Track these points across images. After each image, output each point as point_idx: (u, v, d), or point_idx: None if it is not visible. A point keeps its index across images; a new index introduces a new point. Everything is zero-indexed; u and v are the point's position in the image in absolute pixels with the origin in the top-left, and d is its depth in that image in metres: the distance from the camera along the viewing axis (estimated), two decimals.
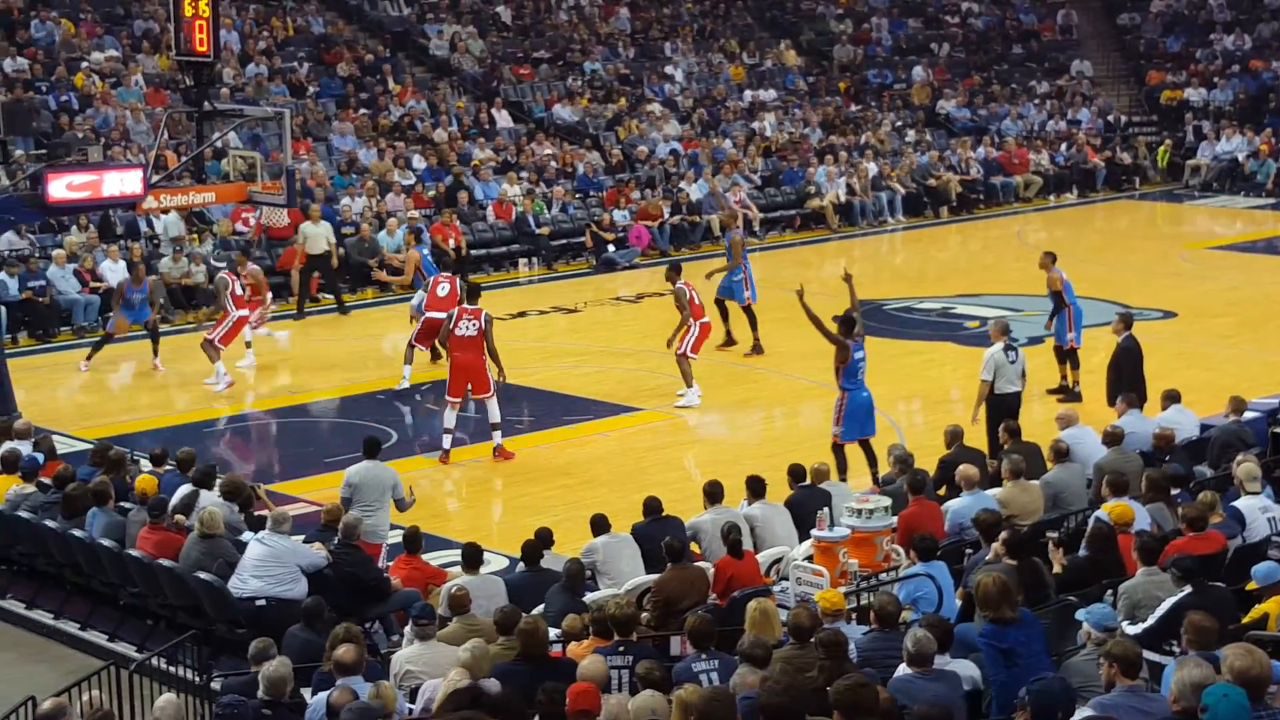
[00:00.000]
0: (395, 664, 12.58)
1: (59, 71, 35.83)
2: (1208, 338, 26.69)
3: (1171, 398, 18.51)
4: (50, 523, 16.47)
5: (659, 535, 14.89)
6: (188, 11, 21.49)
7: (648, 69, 44.93)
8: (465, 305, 21.19)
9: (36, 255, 29.33)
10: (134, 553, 15.58)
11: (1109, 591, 12.46)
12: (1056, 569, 13.32)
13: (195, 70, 22.16)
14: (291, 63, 39.77)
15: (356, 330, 28.99)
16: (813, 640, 10.71)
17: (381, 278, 30.48)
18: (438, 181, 35.73)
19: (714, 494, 15.88)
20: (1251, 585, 11.92)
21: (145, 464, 18.26)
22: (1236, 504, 14.38)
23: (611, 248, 34.84)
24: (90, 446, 19.59)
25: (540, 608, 13.87)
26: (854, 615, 12.74)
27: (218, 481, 16.91)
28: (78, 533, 16.17)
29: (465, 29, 43.71)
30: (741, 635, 11.25)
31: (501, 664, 11.50)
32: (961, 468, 15.98)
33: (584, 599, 13.96)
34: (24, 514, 16.72)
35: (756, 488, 16.23)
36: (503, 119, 40.47)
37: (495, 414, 21.02)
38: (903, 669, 10.31)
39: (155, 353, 26.09)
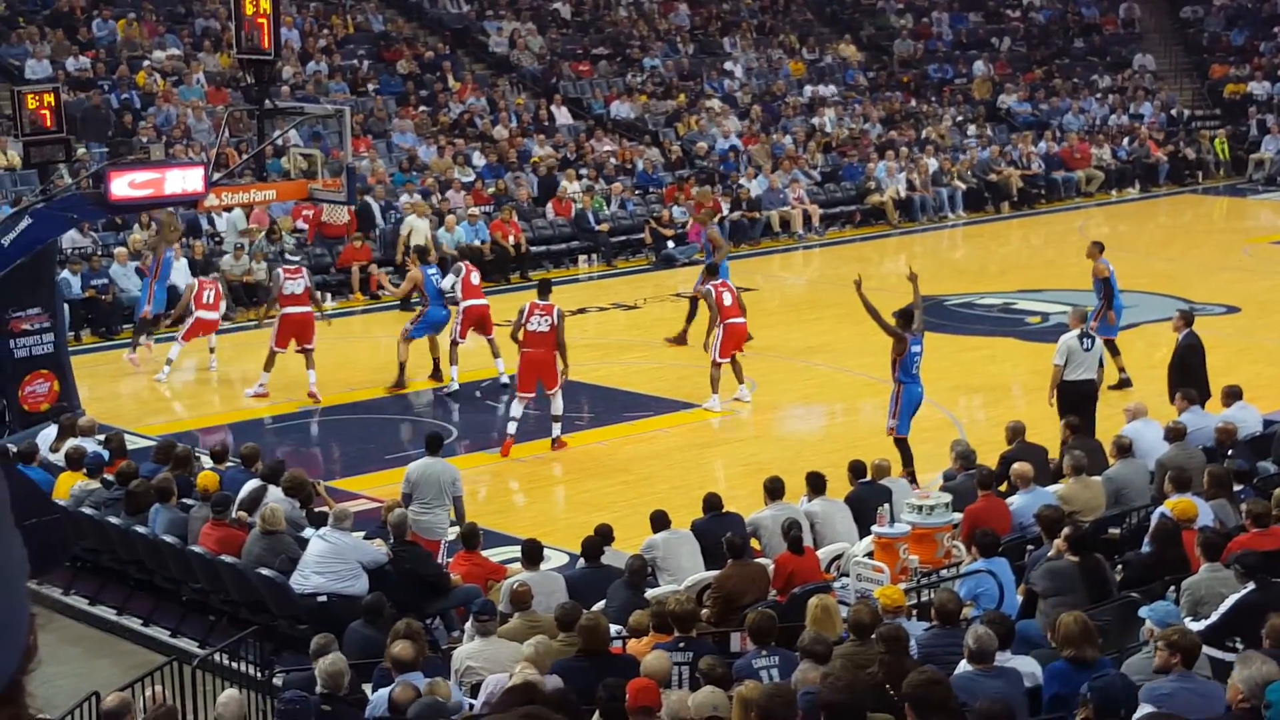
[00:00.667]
0: (456, 660, 12.61)
1: (121, 70, 36.06)
2: (1271, 333, 26.47)
3: (1233, 394, 18.35)
4: (114, 519, 16.58)
5: (719, 531, 14.88)
6: (248, 9, 21.56)
7: (707, 65, 44.89)
8: (537, 301, 21.24)
9: (99, 253, 29.53)
10: (196, 549, 15.67)
11: (1172, 588, 12.38)
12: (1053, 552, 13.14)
13: (256, 68, 22.25)
14: (351, 60, 39.92)
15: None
16: (873, 636, 10.68)
17: (382, 283, 30.12)
18: (498, 178, 35.79)
19: (774, 490, 15.86)
20: None
21: (206, 461, 18.38)
22: None
23: (671, 244, 34.82)
24: (153, 443, 19.72)
25: (601, 604, 13.88)
26: (914, 611, 12.71)
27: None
28: (141, 529, 16.27)
29: (524, 26, 43.78)
30: (802, 631, 11.23)
31: (562, 660, 11.51)
32: (1016, 466, 15.93)
33: (645, 595, 13.97)
34: (88, 510, 16.84)
35: (817, 484, 16.21)
36: (562, 115, 40.51)
37: (558, 407, 21.07)
38: (964, 666, 10.26)
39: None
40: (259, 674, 14.02)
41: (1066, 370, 19.63)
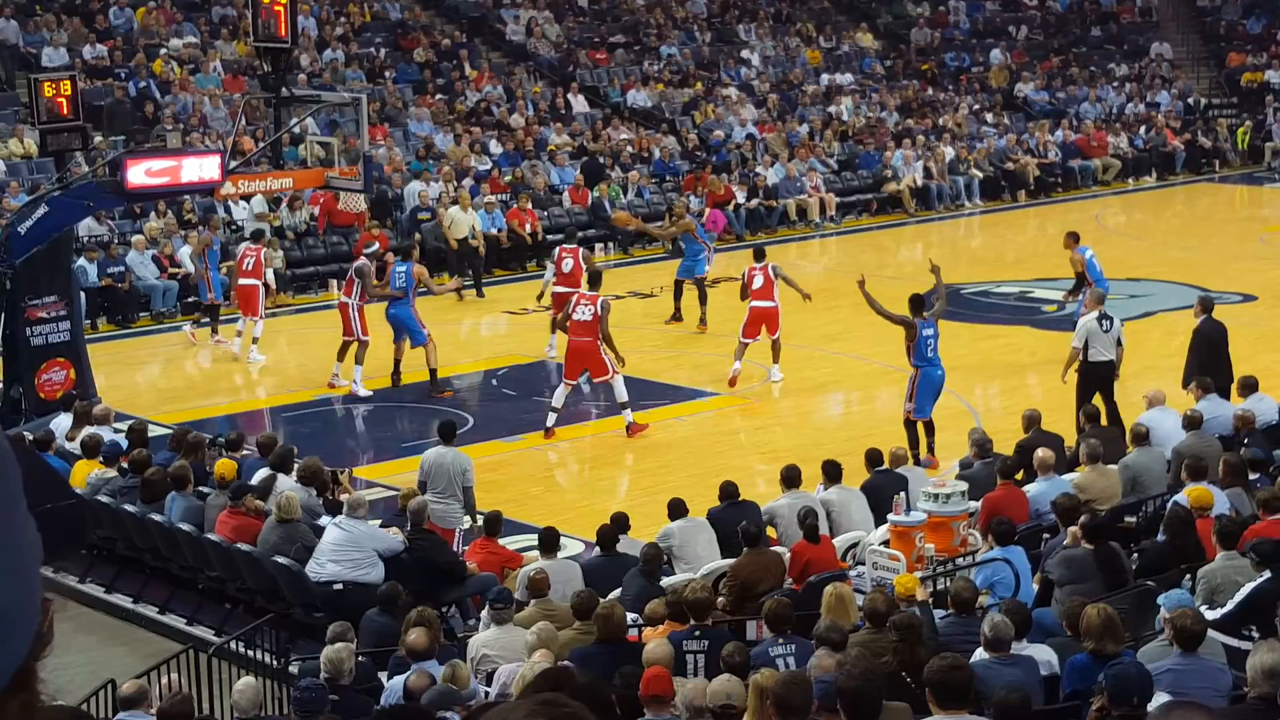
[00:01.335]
0: (472, 648, 12.63)
1: (138, 58, 36.09)
2: None
3: (1249, 385, 18.28)
4: (130, 507, 16.61)
5: (735, 520, 14.89)
6: None
7: (724, 53, 44.84)
8: (584, 291, 21.35)
9: (116, 241, 29.58)
10: (212, 537, 15.70)
11: (1187, 576, 12.36)
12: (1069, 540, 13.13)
13: (273, 56, 22.26)
14: (368, 48, 39.92)
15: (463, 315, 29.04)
16: (888, 624, 10.67)
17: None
18: (514, 166, 35.78)
19: (790, 479, 15.86)
20: None
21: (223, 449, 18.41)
22: None
23: None
24: (169, 431, 19.75)
25: (617, 592, 13.89)
26: (931, 600, 12.70)
27: (296, 465, 17.00)
28: (157, 517, 16.30)
29: (541, 13, 43.74)
30: (817, 620, 11.23)
31: (579, 648, 11.52)
32: (1038, 452, 15.90)
33: (661, 583, 13.98)
34: (104, 498, 16.87)
35: (833, 472, 16.21)
36: (579, 104, 40.49)
37: (620, 393, 21.11)
38: (980, 654, 10.26)
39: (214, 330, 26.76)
40: (275, 662, 14.05)
41: (1087, 352, 19.63)
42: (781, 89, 43.50)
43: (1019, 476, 16.38)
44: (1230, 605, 11.37)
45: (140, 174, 20.24)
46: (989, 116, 44.03)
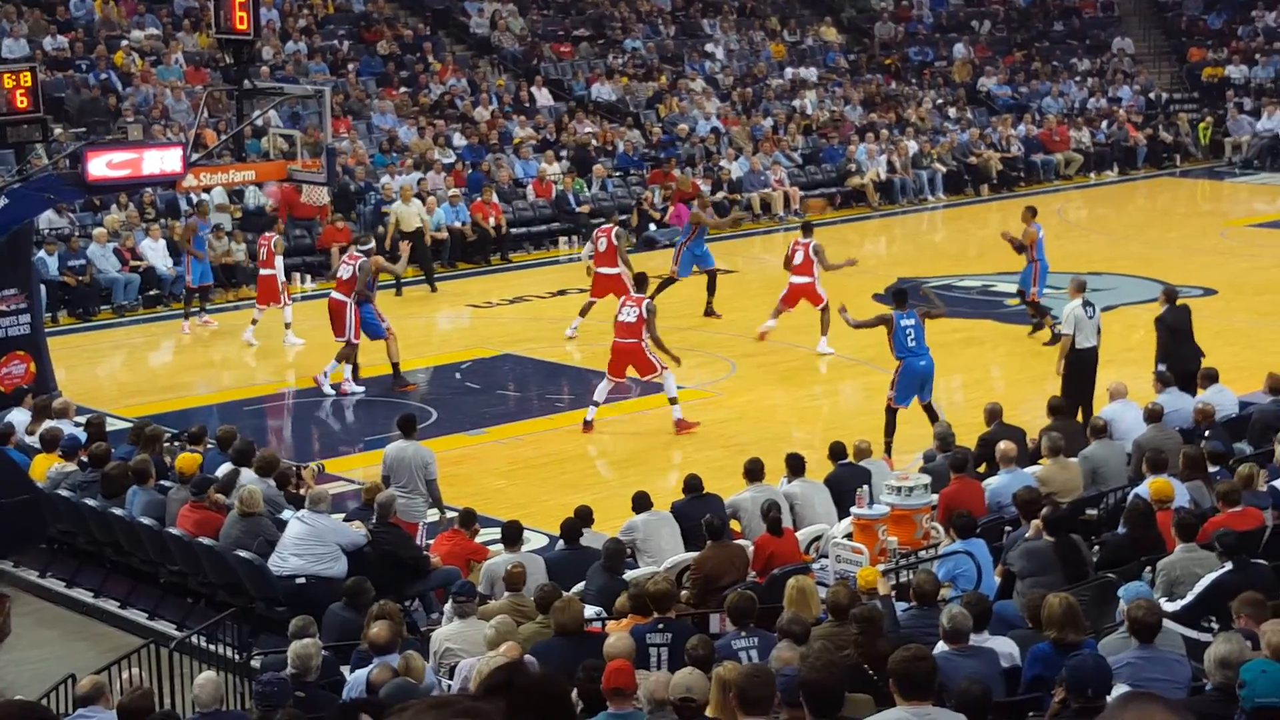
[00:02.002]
0: (435, 642, 12.62)
1: (99, 50, 35.92)
2: (1248, 315, 26.51)
3: (1210, 378, 18.42)
4: (90, 501, 16.54)
5: (699, 513, 14.90)
6: None
7: (688, 47, 44.83)
8: (632, 292, 21.41)
9: (77, 234, 29.42)
10: (174, 531, 15.65)
11: (1148, 569, 12.41)
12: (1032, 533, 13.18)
13: (235, 48, 22.20)
14: (332, 41, 39.79)
15: (415, 309, 29.02)
16: (850, 616, 10.70)
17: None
18: (478, 160, 35.72)
19: (754, 472, 15.89)
20: None
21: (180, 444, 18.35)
22: (1277, 483, 14.32)
23: (653, 226, 34.78)
24: (130, 425, 19.67)
25: (580, 586, 13.89)
26: (894, 592, 12.74)
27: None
28: (118, 511, 16.24)
29: (505, 7, 43.67)
30: (780, 613, 11.25)
31: (540, 642, 11.52)
32: (1000, 445, 15.96)
33: (624, 577, 13.98)
34: (64, 492, 16.79)
35: (796, 465, 16.24)
36: (543, 97, 40.44)
37: (671, 389, 21.11)
38: (940, 646, 10.29)
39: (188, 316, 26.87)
40: (237, 656, 14.02)
41: (1076, 339, 19.68)
42: (746, 83, 43.51)
43: (981, 469, 16.46)
44: (1190, 596, 11.43)
45: (101, 166, 20.13)
46: (952, 111, 44.11)
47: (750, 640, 11.14)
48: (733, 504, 15.63)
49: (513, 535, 14.76)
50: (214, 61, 34.71)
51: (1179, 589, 11.78)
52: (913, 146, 40.11)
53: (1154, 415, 16.63)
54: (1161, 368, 19.35)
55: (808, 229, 25.19)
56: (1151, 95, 47.28)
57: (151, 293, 28.85)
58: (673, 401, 21.09)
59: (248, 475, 16.35)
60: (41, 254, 28.11)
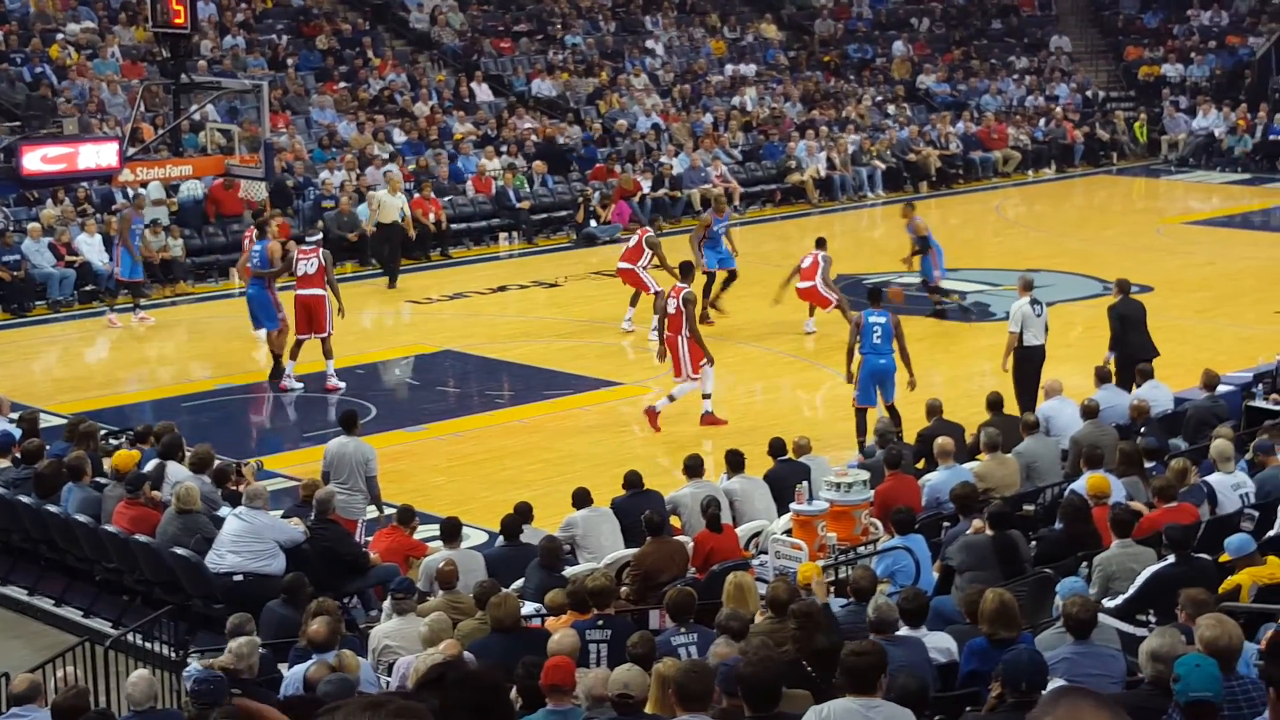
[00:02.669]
0: (373, 639, 12.57)
1: (34, 43, 35.63)
2: (1183, 312, 26.68)
3: (1145, 374, 18.62)
4: (24, 498, 16.40)
5: (639, 509, 14.91)
6: None
7: (629, 43, 44.84)
8: (678, 284, 21.45)
9: (11, 229, 29.16)
10: (110, 528, 15.53)
11: (1084, 564, 12.48)
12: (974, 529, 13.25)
13: (172, 42, 22.05)
14: (270, 35, 39.61)
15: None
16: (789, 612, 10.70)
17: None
18: (418, 155, 35.61)
19: (693, 468, 15.90)
20: (1225, 557, 11.93)
21: (116, 442, 18.21)
22: (1209, 479, 14.44)
23: (593, 222, 34.74)
24: (65, 421, 19.51)
25: (519, 582, 13.87)
26: (833, 588, 12.77)
27: (186, 454, 16.82)
28: (53, 508, 16.10)
29: (445, 2, 43.54)
30: (720, 609, 11.26)
31: (478, 639, 11.49)
32: (937, 441, 16.02)
33: (563, 573, 13.96)
34: None
35: (736, 462, 16.26)
36: (483, 92, 40.35)
37: (708, 384, 21.09)
38: (870, 637, 10.30)
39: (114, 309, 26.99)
40: (174, 654, 13.93)
41: (1022, 337, 19.77)
42: (686, 79, 43.54)
43: (920, 465, 16.52)
44: (1131, 590, 11.50)
45: (36, 160, 19.97)
46: (891, 108, 44.27)
47: (690, 636, 11.15)
48: (673, 500, 15.64)
49: (451, 531, 14.71)
50: (151, 55, 34.46)
51: (1115, 584, 11.85)
52: (852, 143, 40.23)
53: (1090, 411, 16.74)
54: (1110, 355, 19.59)
55: (820, 242, 25.38)
56: (1089, 93, 47.60)
57: (87, 288, 28.62)
58: (705, 396, 21.10)
59: (175, 469, 16.24)
60: None
